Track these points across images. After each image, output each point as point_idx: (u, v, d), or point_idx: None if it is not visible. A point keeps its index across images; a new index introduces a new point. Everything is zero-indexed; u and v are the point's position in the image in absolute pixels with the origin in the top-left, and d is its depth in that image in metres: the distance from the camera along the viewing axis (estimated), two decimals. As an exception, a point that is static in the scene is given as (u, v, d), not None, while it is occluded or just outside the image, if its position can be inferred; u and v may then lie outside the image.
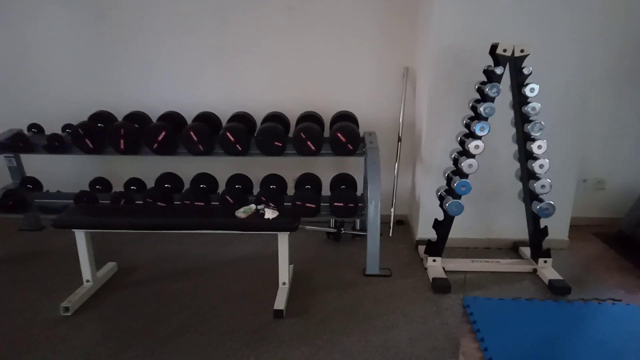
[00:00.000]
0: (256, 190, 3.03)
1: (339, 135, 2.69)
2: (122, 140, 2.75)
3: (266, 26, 2.99)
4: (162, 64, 3.09)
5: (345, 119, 2.92)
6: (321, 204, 2.86)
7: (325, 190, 3.05)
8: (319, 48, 3.02)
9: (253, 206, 2.38)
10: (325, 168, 3.17)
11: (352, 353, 1.96)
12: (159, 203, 2.88)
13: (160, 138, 2.75)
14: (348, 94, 3.09)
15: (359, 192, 3.09)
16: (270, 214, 2.30)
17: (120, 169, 3.21)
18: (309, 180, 3.00)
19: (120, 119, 2.99)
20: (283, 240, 2.30)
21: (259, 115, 3.05)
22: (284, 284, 2.37)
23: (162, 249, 2.93)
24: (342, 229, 3.04)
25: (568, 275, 2.56)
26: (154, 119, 3.00)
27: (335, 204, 2.81)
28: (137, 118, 2.98)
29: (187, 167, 3.11)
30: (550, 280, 2.47)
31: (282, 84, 3.10)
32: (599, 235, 3.13)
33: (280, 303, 2.26)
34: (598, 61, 2.80)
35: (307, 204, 2.79)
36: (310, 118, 2.96)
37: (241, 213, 2.31)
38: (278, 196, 2.88)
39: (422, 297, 2.42)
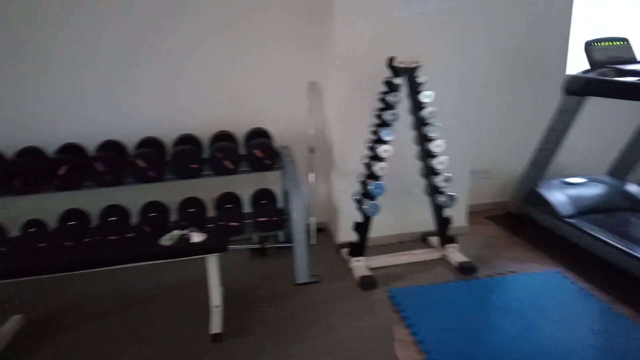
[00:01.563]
0: (174, 215, 2.95)
1: (256, 151, 2.74)
2: (17, 179, 2.51)
3: (175, 47, 2.94)
4: (56, 93, 2.87)
5: (260, 136, 2.98)
6: (245, 221, 2.88)
7: (247, 207, 3.07)
8: (229, 68, 3.04)
9: (177, 232, 2.33)
10: (242, 185, 3.19)
11: (298, 360, 2.02)
12: (66, 243, 2.66)
13: (61, 173, 2.55)
14: (260, 111, 3.15)
15: (280, 205, 3.16)
16: (196, 237, 2.27)
17: (21, 209, 2.89)
18: (228, 199, 3.00)
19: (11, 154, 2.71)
20: (213, 262, 2.28)
21: (166, 139, 2.97)
22: (217, 307, 2.35)
23: (81, 291, 2.70)
24: (266, 244, 3.08)
25: (473, 256, 2.90)
26: (53, 152, 2.77)
27: (260, 219, 2.84)
28: (31, 153, 2.73)
29: (95, 200, 2.91)
30: (458, 263, 2.77)
31: (191, 105, 3.06)
32: (492, 219, 3.56)
33: (216, 326, 2.23)
34: (483, 65, 3.23)
35: (231, 223, 2.79)
36: (223, 137, 2.96)
37: (166, 241, 2.25)
38: (199, 219, 2.84)
39: (353, 296, 2.56)
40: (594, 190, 3.17)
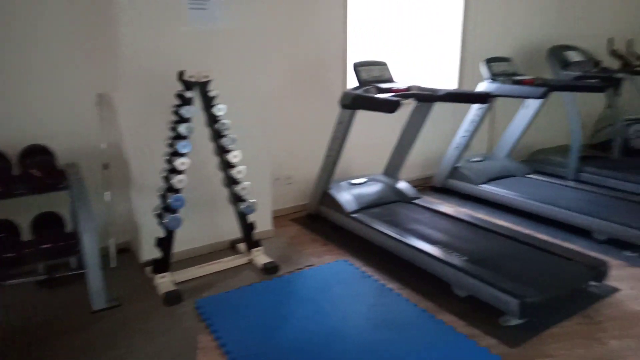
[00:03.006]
0: None
1: (33, 171, 2.46)
2: None
3: None
4: None
5: (38, 153, 2.67)
6: (25, 250, 2.54)
7: (27, 235, 2.70)
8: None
9: None
10: (19, 210, 2.80)
11: (91, 391, 1.89)
12: None
13: None
14: (38, 125, 2.82)
15: (70, 228, 2.88)
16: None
17: None
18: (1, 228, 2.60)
19: None
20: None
21: None
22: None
23: None
24: (55, 273, 2.77)
25: (277, 257, 3.12)
26: None
27: (43, 246, 2.55)
28: None
29: None
30: (263, 264, 2.96)
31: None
32: (295, 220, 3.89)
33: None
34: (277, 81, 3.51)
35: (4, 255, 2.43)
36: (-10, 157, 2.57)
37: None
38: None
39: (158, 313, 2.50)
40: (373, 188, 3.75)
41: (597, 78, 4.33)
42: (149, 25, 2.71)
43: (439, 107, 4.51)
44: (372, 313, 2.48)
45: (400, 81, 3.47)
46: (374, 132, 4.31)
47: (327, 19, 3.80)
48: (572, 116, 4.60)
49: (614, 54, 5.16)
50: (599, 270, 2.61)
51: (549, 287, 2.40)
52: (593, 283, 2.69)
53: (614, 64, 5.20)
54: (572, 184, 4.25)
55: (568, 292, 2.55)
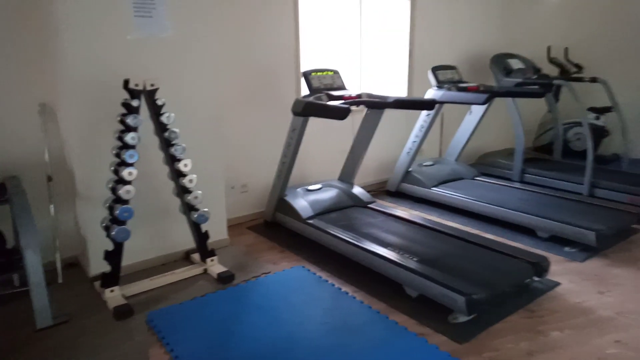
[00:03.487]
0: None
1: (-32, 185, 2.33)
2: None
3: None
4: None
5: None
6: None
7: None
8: None
9: None
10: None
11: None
12: None
13: None
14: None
15: (10, 244, 2.75)
16: None
17: None
18: None
19: None
20: None
21: None
22: None
23: None
24: (-4, 291, 2.63)
25: (232, 266, 3.10)
26: None
27: (-20, 264, 2.42)
28: None
29: None
30: (218, 274, 2.92)
31: None
32: (252, 228, 3.87)
33: None
34: (228, 88, 3.49)
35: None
36: None
37: None
38: None
39: (108, 328, 2.43)
40: (328, 194, 3.80)
41: (536, 84, 4.58)
42: (92, 33, 2.65)
43: (392, 114, 4.65)
44: (328, 317, 2.50)
45: (351, 89, 3.55)
46: (328, 139, 4.36)
47: (279, 27, 3.84)
48: (515, 121, 4.84)
49: (552, 61, 5.49)
50: (540, 267, 2.75)
51: (494, 283, 2.52)
52: (536, 278, 2.83)
53: (553, 71, 5.53)
54: (517, 185, 4.47)
55: (512, 288, 2.68)
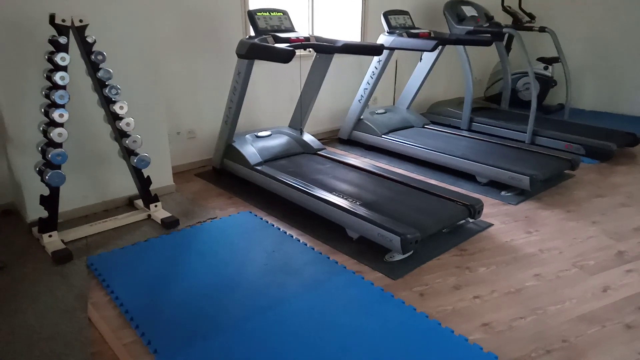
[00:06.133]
0: None
1: None
2: None
3: None
4: None
5: None
6: None
7: None
8: None
9: None
10: None
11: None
12: None
13: None
14: None
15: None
16: None
17: None
18: None
19: None
20: None
21: None
22: None
23: None
24: None
25: (177, 212, 3.09)
26: None
27: None
28: None
29: None
30: (162, 219, 2.91)
31: None
32: (200, 175, 3.83)
33: None
34: (167, 27, 3.33)
35: None
36: None
37: None
38: None
39: (45, 273, 2.40)
40: (277, 141, 3.78)
41: (487, 33, 4.61)
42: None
43: (345, 61, 4.59)
44: (270, 259, 2.57)
45: (301, 32, 3.45)
46: (279, 85, 4.28)
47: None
48: (465, 70, 4.90)
49: (506, 10, 5.51)
50: (474, 209, 2.90)
51: (428, 224, 2.64)
52: (470, 220, 2.99)
53: (507, 19, 5.56)
54: (465, 133, 4.59)
55: (446, 228, 2.82)
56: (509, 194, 3.49)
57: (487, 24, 4.88)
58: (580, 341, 1.97)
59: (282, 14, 3.45)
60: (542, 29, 4.94)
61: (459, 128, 4.95)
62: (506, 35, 5.39)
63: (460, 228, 2.94)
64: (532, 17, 5.63)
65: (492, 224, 3.02)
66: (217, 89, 3.86)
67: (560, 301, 2.24)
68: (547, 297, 2.27)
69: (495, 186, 3.60)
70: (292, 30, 3.44)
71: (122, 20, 2.87)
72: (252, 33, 3.30)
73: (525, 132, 4.54)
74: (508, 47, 5.74)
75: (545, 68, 5.70)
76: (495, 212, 3.20)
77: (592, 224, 3.03)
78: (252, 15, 3.23)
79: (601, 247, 2.74)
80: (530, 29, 5.06)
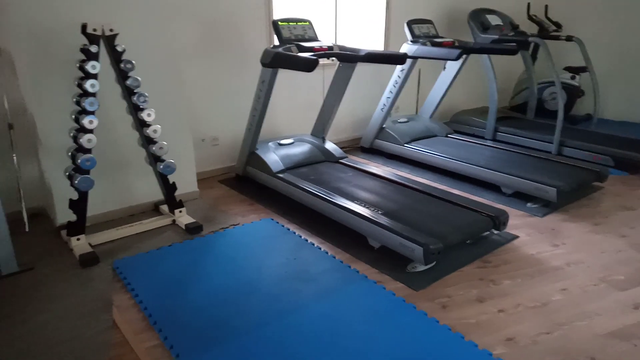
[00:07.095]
0: None
1: None
2: None
3: None
4: None
5: None
6: None
7: None
8: None
9: None
10: None
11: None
12: None
13: None
14: None
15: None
16: None
17: None
18: None
19: None
20: None
21: None
22: None
23: None
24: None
25: (201, 217, 3.13)
26: None
27: (-61, 211, 2.39)
28: None
29: None
30: (186, 225, 2.96)
31: None
32: (223, 182, 3.88)
33: None
34: (184, 39, 3.40)
35: None
36: None
37: None
38: None
39: (71, 275, 2.46)
40: (300, 149, 3.80)
41: (512, 42, 4.56)
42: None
43: (368, 70, 4.60)
44: (291, 266, 2.57)
45: (323, 41, 3.48)
46: (302, 93, 4.32)
47: (250, -26, 3.69)
48: (490, 79, 4.84)
49: (532, 18, 5.43)
50: (499, 220, 2.84)
51: (451, 235, 2.60)
52: (494, 232, 2.94)
53: (532, 28, 5.49)
54: (489, 143, 4.53)
55: (470, 240, 2.78)
56: (534, 205, 3.42)
57: (512, 33, 4.82)
58: (608, 359, 1.91)
59: (306, 23, 3.49)
60: (569, 38, 4.85)
61: (483, 138, 4.89)
62: (532, 45, 5.31)
63: (484, 239, 2.89)
64: (558, 25, 5.54)
65: (518, 236, 2.96)
66: (241, 96, 3.91)
67: (588, 317, 2.17)
68: (573, 311, 2.21)
69: (521, 197, 3.53)
70: (315, 39, 3.47)
71: (149, 30, 2.94)
72: (277, 42, 3.34)
73: (552, 143, 4.45)
74: (534, 56, 5.65)
75: (572, 77, 5.59)
76: (521, 223, 3.14)
77: (620, 237, 2.94)
78: (276, 25, 3.27)
79: (630, 261, 2.66)
80: (557, 37, 4.98)
